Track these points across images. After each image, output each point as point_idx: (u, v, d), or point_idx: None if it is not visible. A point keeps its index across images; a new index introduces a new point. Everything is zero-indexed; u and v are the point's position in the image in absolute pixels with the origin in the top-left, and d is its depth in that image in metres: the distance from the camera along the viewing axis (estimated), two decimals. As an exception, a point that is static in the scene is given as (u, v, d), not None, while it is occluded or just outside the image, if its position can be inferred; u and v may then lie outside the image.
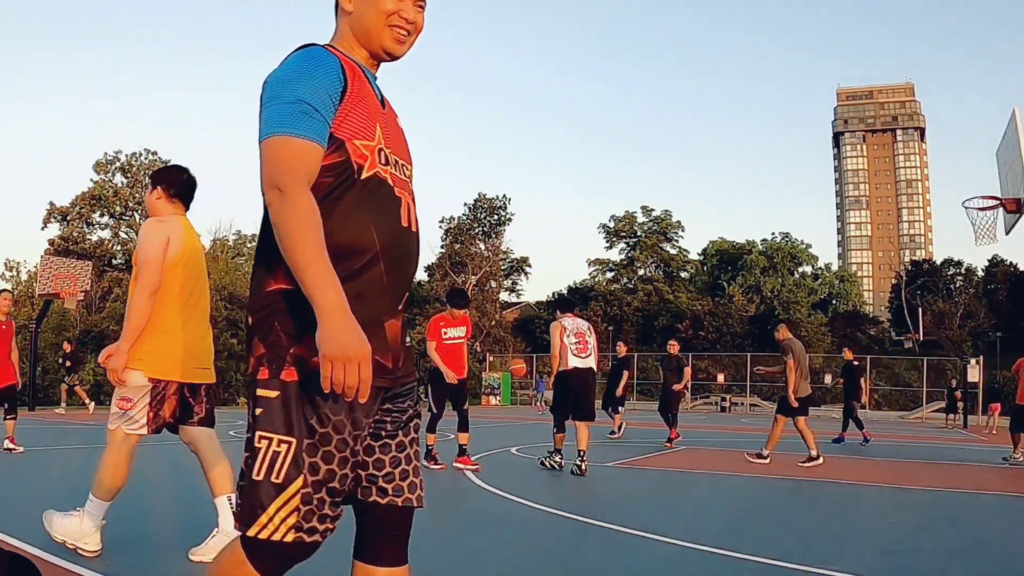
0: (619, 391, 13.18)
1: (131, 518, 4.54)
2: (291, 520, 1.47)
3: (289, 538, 1.48)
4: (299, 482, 1.46)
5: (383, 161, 1.59)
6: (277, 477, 1.45)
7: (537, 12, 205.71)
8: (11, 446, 8.07)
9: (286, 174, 1.42)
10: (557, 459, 7.93)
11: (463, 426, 7.83)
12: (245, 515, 1.47)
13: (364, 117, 1.57)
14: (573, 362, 7.69)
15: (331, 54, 1.58)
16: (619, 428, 13.08)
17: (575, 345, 7.74)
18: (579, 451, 7.59)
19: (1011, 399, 10.74)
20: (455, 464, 7.66)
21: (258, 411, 1.47)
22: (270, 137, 1.45)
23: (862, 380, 13.59)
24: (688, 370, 12.92)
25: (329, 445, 1.48)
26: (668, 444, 11.80)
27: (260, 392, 1.46)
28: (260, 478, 1.45)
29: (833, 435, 13.70)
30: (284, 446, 1.45)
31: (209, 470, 3.67)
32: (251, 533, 1.46)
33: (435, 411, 7.86)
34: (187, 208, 3.76)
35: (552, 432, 8.12)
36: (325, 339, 1.34)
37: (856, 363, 14.42)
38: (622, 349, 14.08)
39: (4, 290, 8.50)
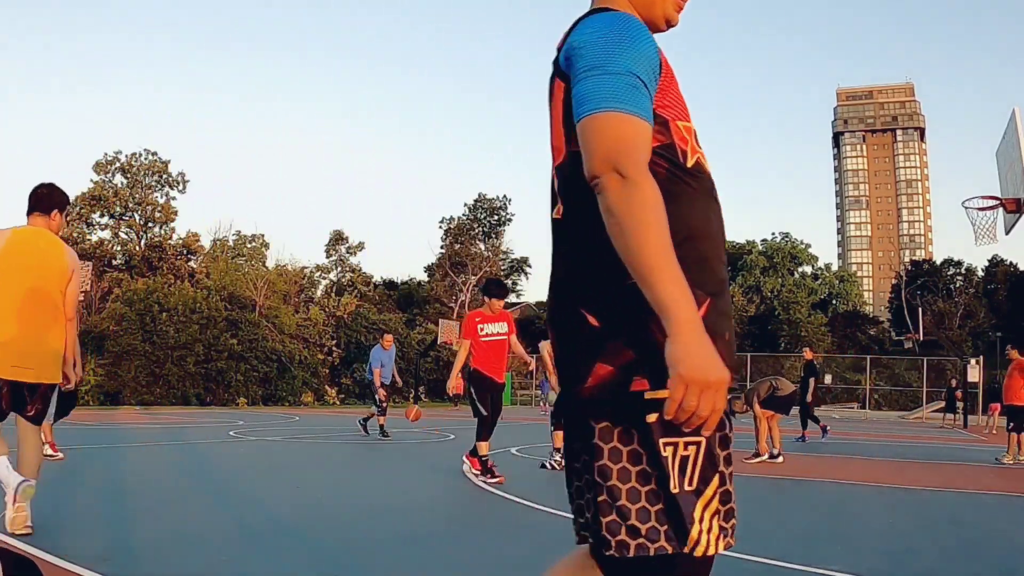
0: None
1: (131, 519, 4.54)
2: (716, 526, 1.30)
3: (720, 547, 1.30)
4: (715, 481, 1.31)
5: (699, 145, 1.40)
6: (691, 484, 1.28)
7: (537, 12, 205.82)
8: (51, 452, 7.42)
9: (628, 155, 1.22)
10: (557, 458, 7.99)
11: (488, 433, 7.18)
12: (669, 535, 1.26)
13: (678, 94, 1.38)
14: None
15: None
16: None
17: None
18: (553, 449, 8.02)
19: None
20: (463, 458, 7.31)
21: (651, 417, 1.25)
22: (603, 112, 1.25)
23: (812, 380, 13.65)
24: None
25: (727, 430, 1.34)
26: None
27: (649, 395, 1.25)
28: (680, 489, 1.27)
29: (816, 435, 13.68)
30: (692, 448, 1.28)
31: (21, 457, 3.94)
32: (686, 550, 1.27)
33: (483, 414, 6.92)
34: (44, 213, 4.09)
35: (550, 431, 8.21)
36: (682, 359, 1.15)
37: (816, 364, 14.56)
38: None
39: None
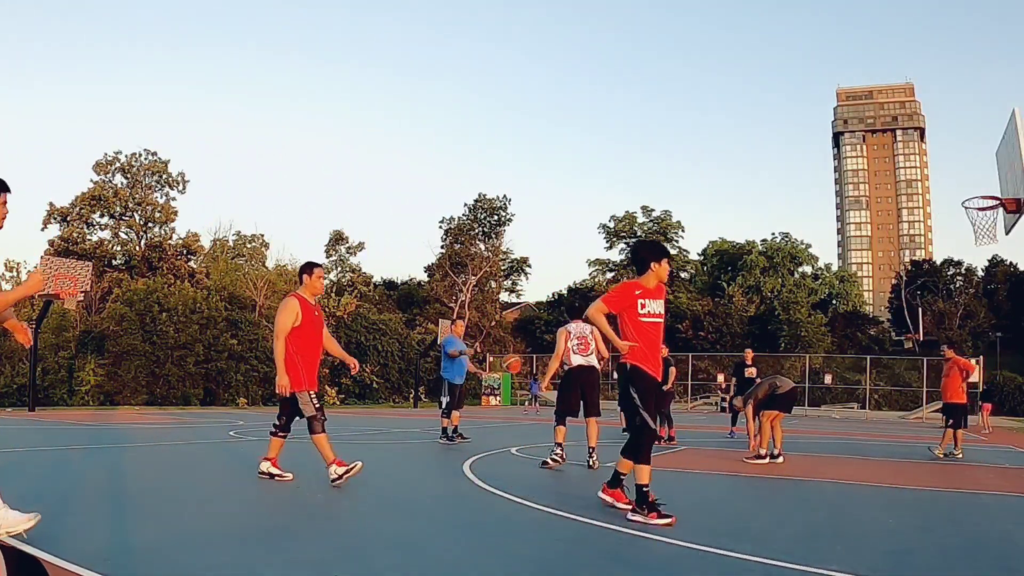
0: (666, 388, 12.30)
1: (131, 519, 4.54)
2: None
3: None
4: None
5: None
6: None
7: (537, 12, 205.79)
8: (276, 471, 6.51)
9: None
10: (558, 452, 8.08)
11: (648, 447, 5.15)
12: None
13: None
14: (576, 360, 8.14)
15: None
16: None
17: (577, 345, 8.19)
18: (589, 448, 8.08)
19: (1006, 398, 11.08)
20: (600, 494, 5.46)
21: None
22: None
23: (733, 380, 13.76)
24: (674, 371, 12.66)
25: None
26: (669, 442, 11.94)
27: None
28: None
29: (816, 435, 13.75)
30: None
31: None
32: None
33: (652, 427, 5.06)
34: None
35: (553, 427, 8.35)
36: None
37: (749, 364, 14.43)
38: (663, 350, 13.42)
39: (315, 265, 6.58)
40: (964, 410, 11.37)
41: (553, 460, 8.01)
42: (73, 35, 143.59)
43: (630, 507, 4.94)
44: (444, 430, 11.33)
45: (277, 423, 6.50)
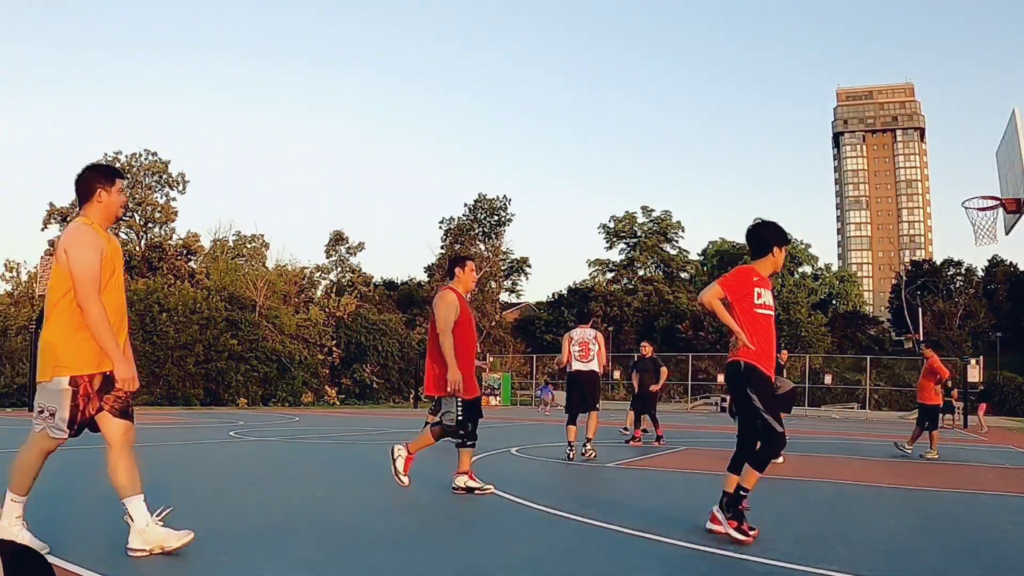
0: (655, 388, 12.31)
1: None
2: None
3: None
4: None
5: None
6: None
7: (537, 13, 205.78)
8: (475, 484, 5.98)
9: None
10: (569, 452, 8.88)
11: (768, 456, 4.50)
12: None
13: None
14: (576, 365, 9.02)
15: None
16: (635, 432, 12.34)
17: (578, 352, 9.04)
18: (587, 438, 9.03)
19: (1007, 398, 11.03)
20: (711, 525, 4.51)
21: None
22: None
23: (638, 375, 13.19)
24: (664, 371, 12.41)
25: None
26: (657, 442, 11.88)
27: None
28: None
29: (816, 435, 13.71)
30: None
31: None
32: None
33: (779, 430, 4.39)
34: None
35: (565, 427, 9.12)
36: None
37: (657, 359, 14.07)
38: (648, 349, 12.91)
39: (467, 258, 6.30)
40: (938, 411, 11.36)
41: (566, 456, 8.89)
42: (73, 35, 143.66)
43: (749, 533, 4.22)
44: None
45: (462, 432, 5.85)
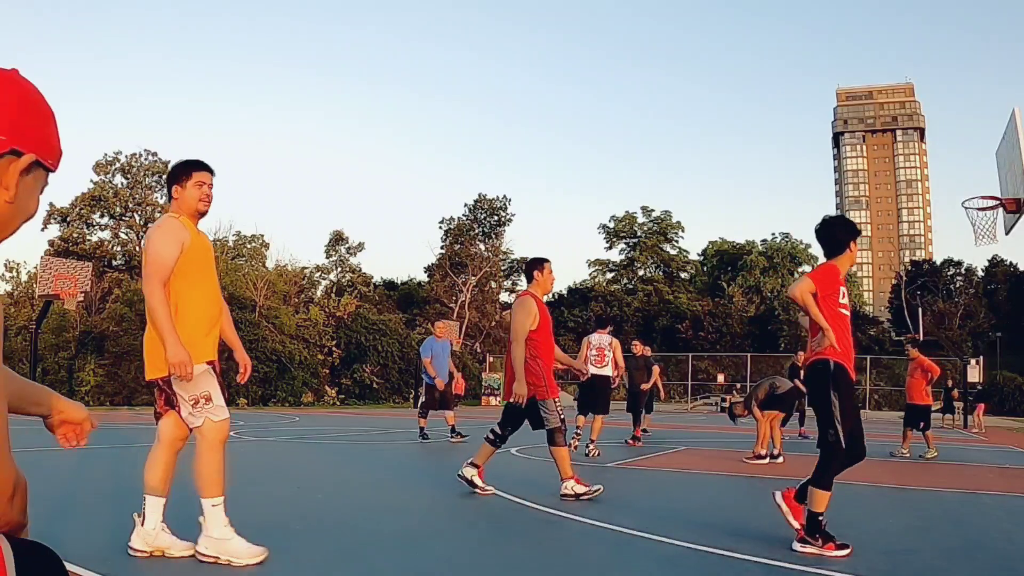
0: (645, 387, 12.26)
1: (131, 520, 4.53)
2: None
3: None
4: None
5: None
6: None
7: (537, 13, 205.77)
8: (477, 481, 5.95)
9: None
10: (573, 441, 9.22)
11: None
12: None
13: None
14: (592, 370, 9.43)
15: None
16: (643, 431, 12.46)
17: (594, 357, 9.64)
18: (590, 439, 9.62)
19: (1006, 398, 10.99)
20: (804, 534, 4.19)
21: None
22: None
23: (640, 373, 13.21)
24: (656, 369, 12.29)
25: None
26: (632, 442, 11.53)
27: None
28: None
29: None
30: None
31: None
32: None
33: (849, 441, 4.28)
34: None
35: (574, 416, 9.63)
36: None
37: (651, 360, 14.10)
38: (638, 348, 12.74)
39: (544, 260, 6.08)
40: (930, 411, 11.28)
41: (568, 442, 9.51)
42: (73, 35, 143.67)
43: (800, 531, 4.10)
44: (422, 429, 11.67)
45: (499, 432, 5.85)
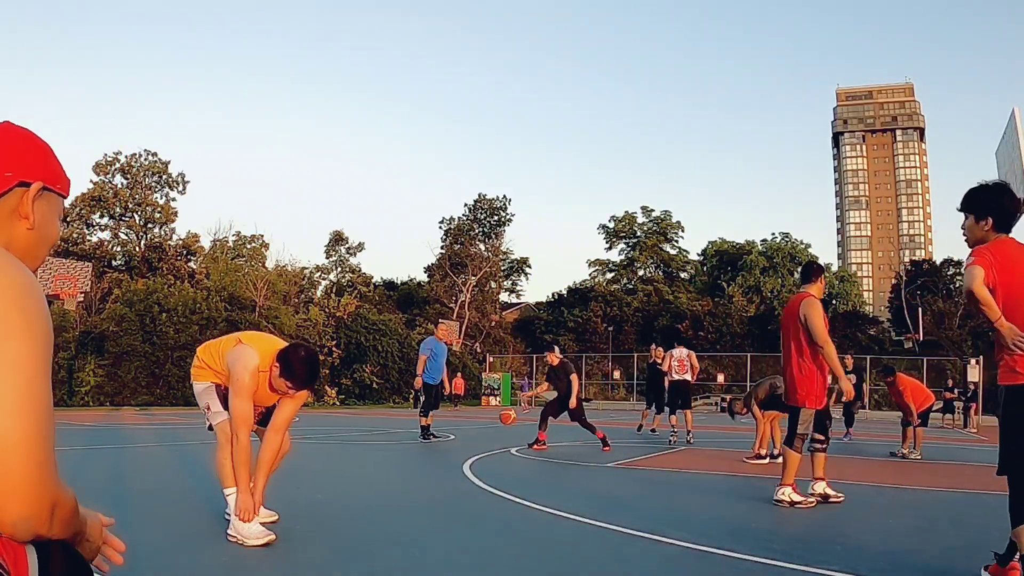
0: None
1: (131, 520, 4.54)
2: None
3: None
4: None
5: None
6: None
7: (538, 13, 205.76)
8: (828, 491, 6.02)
9: None
10: (644, 426, 13.30)
11: None
12: None
13: None
14: (674, 376, 12.36)
15: None
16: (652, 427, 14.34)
17: (676, 366, 12.30)
18: (687, 430, 12.42)
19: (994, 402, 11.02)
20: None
21: None
22: None
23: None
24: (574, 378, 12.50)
25: None
26: (605, 448, 10.45)
27: None
28: None
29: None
30: None
31: None
32: None
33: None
34: None
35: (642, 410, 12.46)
36: None
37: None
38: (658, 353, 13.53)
39: (823, 267, 6.26)
40: (928, 410, 11.54)
41: (640, 426, 14.16)
42: (73, 35, 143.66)
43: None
44: (425, 429, 11.79)
45: (820, 437, 5.97)
